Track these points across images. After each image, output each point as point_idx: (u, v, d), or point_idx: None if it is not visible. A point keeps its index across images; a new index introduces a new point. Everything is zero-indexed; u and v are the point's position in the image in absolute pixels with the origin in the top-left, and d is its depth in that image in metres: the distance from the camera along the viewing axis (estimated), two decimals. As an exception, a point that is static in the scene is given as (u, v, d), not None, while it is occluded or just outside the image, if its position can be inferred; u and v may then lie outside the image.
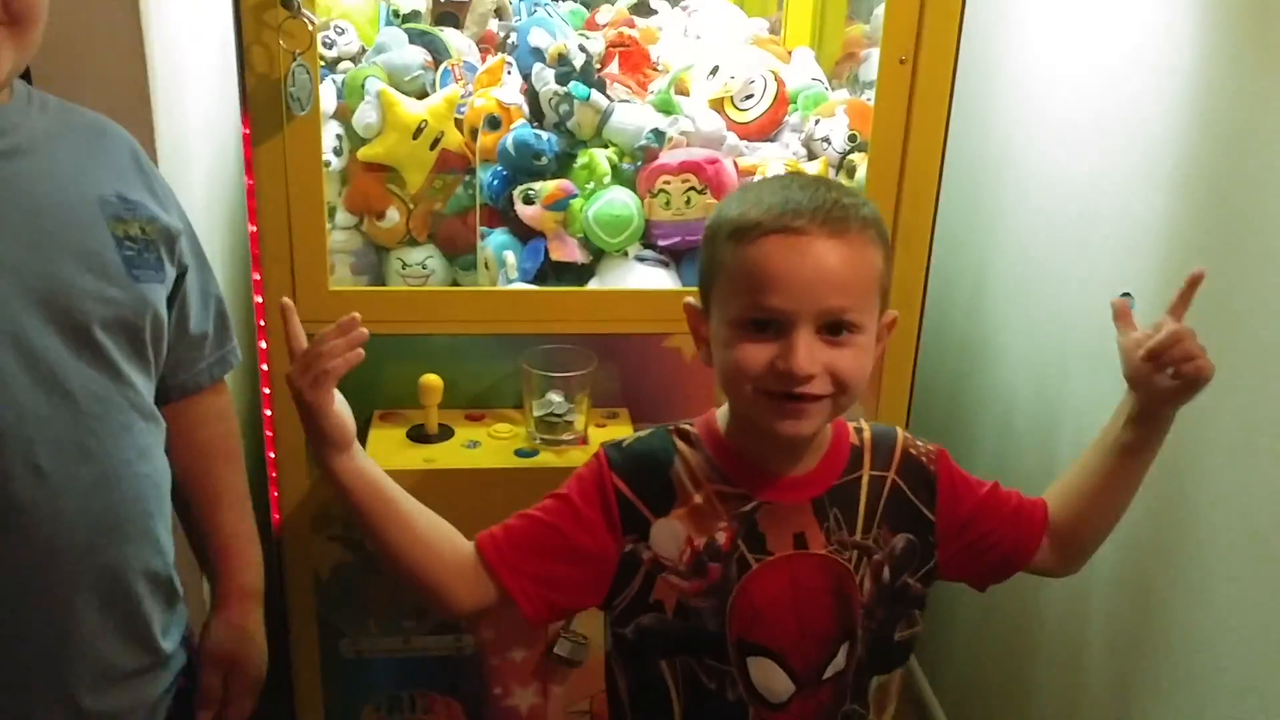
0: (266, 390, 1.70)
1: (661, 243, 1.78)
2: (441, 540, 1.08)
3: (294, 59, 1.47)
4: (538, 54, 2.02)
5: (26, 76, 1.15)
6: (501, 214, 1.82)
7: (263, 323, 1.63)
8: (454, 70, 1.92)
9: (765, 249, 0.98)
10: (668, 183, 1.74)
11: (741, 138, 1.91)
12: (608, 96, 1.83)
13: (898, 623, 1.12)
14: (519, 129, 1.79)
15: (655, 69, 2.11)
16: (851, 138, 1.82)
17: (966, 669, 2.24)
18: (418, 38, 1.96)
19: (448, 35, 2.05)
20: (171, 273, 1.13)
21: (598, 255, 1.80)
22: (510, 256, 1.76)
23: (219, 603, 1.26)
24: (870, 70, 2.11)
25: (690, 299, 1.09)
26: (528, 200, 1.77)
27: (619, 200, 1.74)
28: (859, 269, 1.00)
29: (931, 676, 2.42)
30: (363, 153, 1.79)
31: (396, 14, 2.04)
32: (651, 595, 1.08)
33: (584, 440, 1.63)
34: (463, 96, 1.87)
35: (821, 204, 0.99)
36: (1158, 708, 1.54)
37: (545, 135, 1.79)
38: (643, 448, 1.11)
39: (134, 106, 1.40)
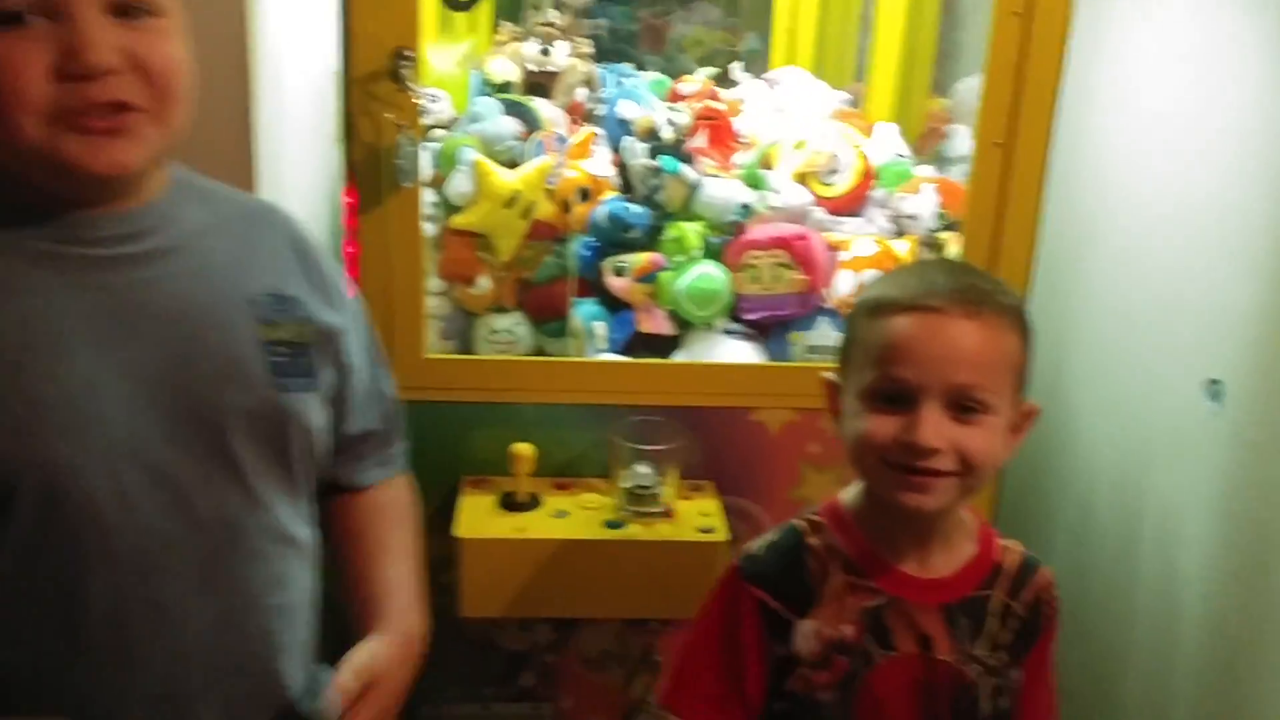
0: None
1: (749, 316, 1.79)
2: None
3: (400, 131, 1.51)
4: (626, 126, 2.05)
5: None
6: (591, 284, 1.85)
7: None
8: (546, 141, 1.95)
9: (900, 323, 1.01)
10: (757, 257, 1.76)
11: (828, 212, 1.92)
12: (696, 171, 1.86)
13: None
14: (611, 202, 1.82)
15: (740, 141, 2.13)
16: (940, 216, 1.82)
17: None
18: (511, 108, 2.01)
19: (538, 105, 2.10)
20: (330, 377, 1.05)
21: (685, 327, 1.81)
22: (600, 327, 1.78)
23: (379, 632, 1.10)
24: (955, 146, 2.13)
25: (829, 374, 1.11)
26: (618, 272, 1.79)
27: (708, 274, 1.76)
28: (992, 349, 1.01)
29: None
30: (456, 220, 1.82)
31: (489, 83, 2.09)
32: (784, 685, 1.09)
33: (670, 513, 1.63)
34: (554, 167, 1.90)
35: (960, 286, 1.02)
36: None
37: (636, 208, 1.81)
38: (775, 552, 1.12)
39: (237, 176, 1.44)
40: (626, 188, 1.89)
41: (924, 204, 1.84)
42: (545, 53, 2.14)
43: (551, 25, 2.18)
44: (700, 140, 2.05)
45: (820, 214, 1.89)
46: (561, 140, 1.98)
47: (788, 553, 1.11)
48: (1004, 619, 1.11)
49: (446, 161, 1.88)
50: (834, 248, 1.84)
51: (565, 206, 1.87)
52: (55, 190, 0.89)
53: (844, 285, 1.79)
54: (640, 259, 1.78)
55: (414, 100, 1.50)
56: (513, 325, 1.87)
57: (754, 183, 1.90)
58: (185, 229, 0.97)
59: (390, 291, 1.60)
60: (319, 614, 1.10)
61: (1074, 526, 2.06)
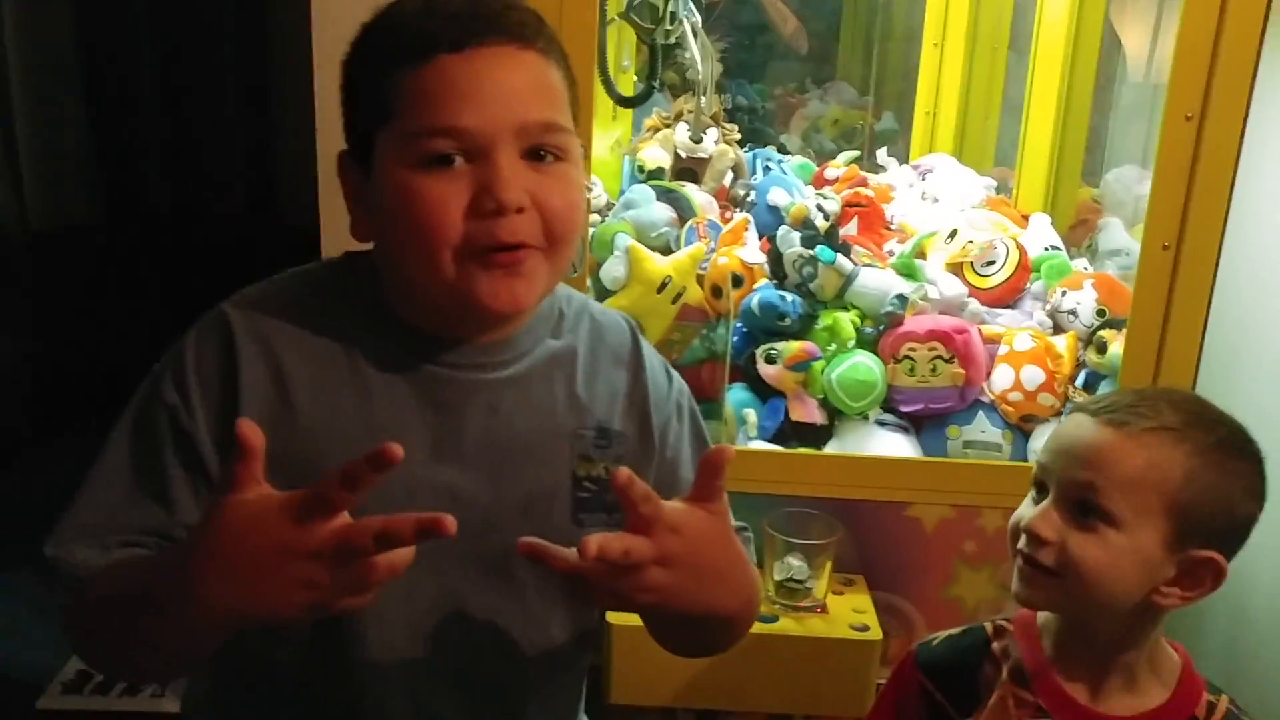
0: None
1: (904, 409, 1.78)
2: None
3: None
4: (776, 212, 2.07)
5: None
6: (741, 370, 1.86)
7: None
8: (699, 228, 1.98)
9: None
10: (913, 349, 1.75)
11: (983, 304, 1.90)
12: (851, 260, 1.86)
13: None
14: (764, 290, 1.84)
15: (889, 228, 2.14)
16: (1100, 313, 1.80)
17: None
18: (664, 195, 2.05)
19: (690, 191, 2.13)
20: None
21: (837, 417, 1.81)
22: (751, 414, 1.79)
23: None
24: (1109, 239, 2.10)
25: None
26: (769, 360, 1.80)
27: (863, 365, 1.76)
28: (1126, 459, 0.99)
29: None
30: (608, 304, 1.85)
31: (642, 169, 2.13)
32: None
33: (823, 608, 1.62)
34: (707, 253, 1.93)
35: (1139, 400, 1.01)
36: None
37: (789, 297, 1.82)
38: (953, 648, 1.11)
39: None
40: (776, 274, 1.90)
41: (1084, 300, 1.81)
42: (697, 140, 2.19)
43: (701, 112, 2.21)
44: (850, 227, 2.06)
45: (975, 306, 1.88)
46: (714, 227, 2.01)
47: (967, 651, 1.09)
48: None
49: (602, 246, 1.92)
50: (991, 340, 1.82)
51: (717, 292, 1.90)
52: (451, 321, 0.95)
53: (1002, 380, 1.77)
54: (793, 347, 1.79)
55: (586, 193, 1.53)
56: None
57: (908, 272, 1.90)
58: (536, 361, 0.99)
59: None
60: None
61: (1228, 631, 1.98)
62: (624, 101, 1.70)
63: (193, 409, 0.91)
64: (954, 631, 1.13)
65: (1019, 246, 1.94)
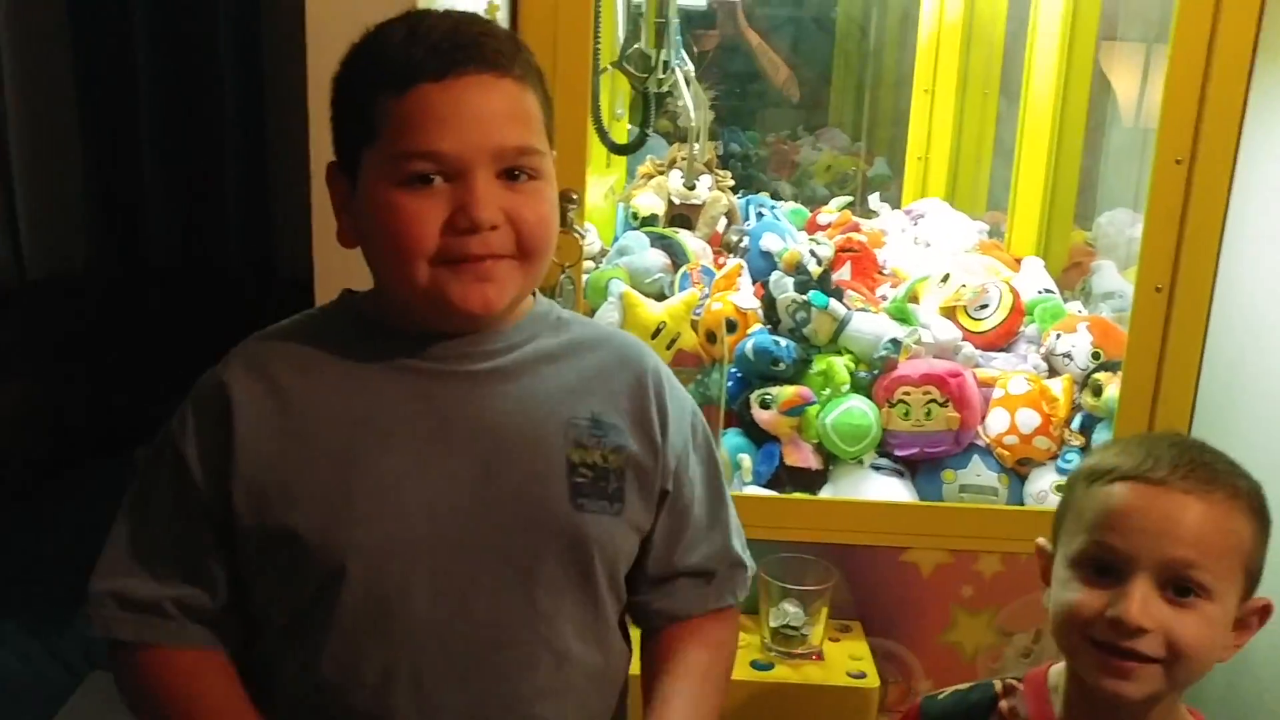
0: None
1: (899, 453, 1.77)
2: None
3: (562, 271, 1.55)
4: (769, 258, 2.08)
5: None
6: (736, 415, 1.85)
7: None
8: (692, 274, 1.99)
9: (1118, 490, 0.96)
10: (908, 393, 1.75)
11: (977, 347, 1.90)
12: (844, 305, 1.87)
13: None
14: (758, 335, 1.84)
15: (882, 273, 2.14)
16: (1095, 355, 1.80)
17: None
18: (658, 241, 2.05)
19: (684, 238, 2.14)
20: (636, 503, 1.05)
21: (832, 462, 1.80)
22: (746, 460, 1.78)
23: None
24: (1102, 282, 2.11)
25: (1042, 539, 1.07)
26: (764, 405, 1.79)
27: (857, 409, 1.75)
28: (1216, 529, 0.95)
29: None
30: (603, 349, 1.86)
31: (636, 216, 2.14)
32: None
33: (819, 655, 1.61)
34: (700, 299, 1.93)
35: (1187, 459, 0.97)
36: None
37: (783, 342, 1.82)
38: (959, 703, 1.09)
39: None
40: (770, 319, 1.90)
41: (1079, 343, 1.81)
42: (690, 186, 2.20)
43: (695, 159, 2.23)
44: (844, 272, 2.06)
45: (970, 349, 1.88)
46: (708, 273, 2.01)
47: (973, 707, 1.07)
48: None
49: (596, 293, 1.93)
50: (985, 384, 1.82)
51: (711, 338, 1.90)
52: (430, 321, 1.00)
53: (997, 423, 1.76)
54: (787, 392, 1.78)
55: (579, 241, 1.54)
56: None
57: (902, 317, 1.90)
58: (525, 355, 1.04)
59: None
60: None
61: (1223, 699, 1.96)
62: (617, 149, 1.72)
63: (190, 459, 1.00)
64: (962, 687, 1.11)
65: (1012, 290, 1.94)
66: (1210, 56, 1.56)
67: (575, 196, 1.55)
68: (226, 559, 1.00)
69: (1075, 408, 1.79)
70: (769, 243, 2.11)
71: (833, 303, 1.84)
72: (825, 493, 1.77)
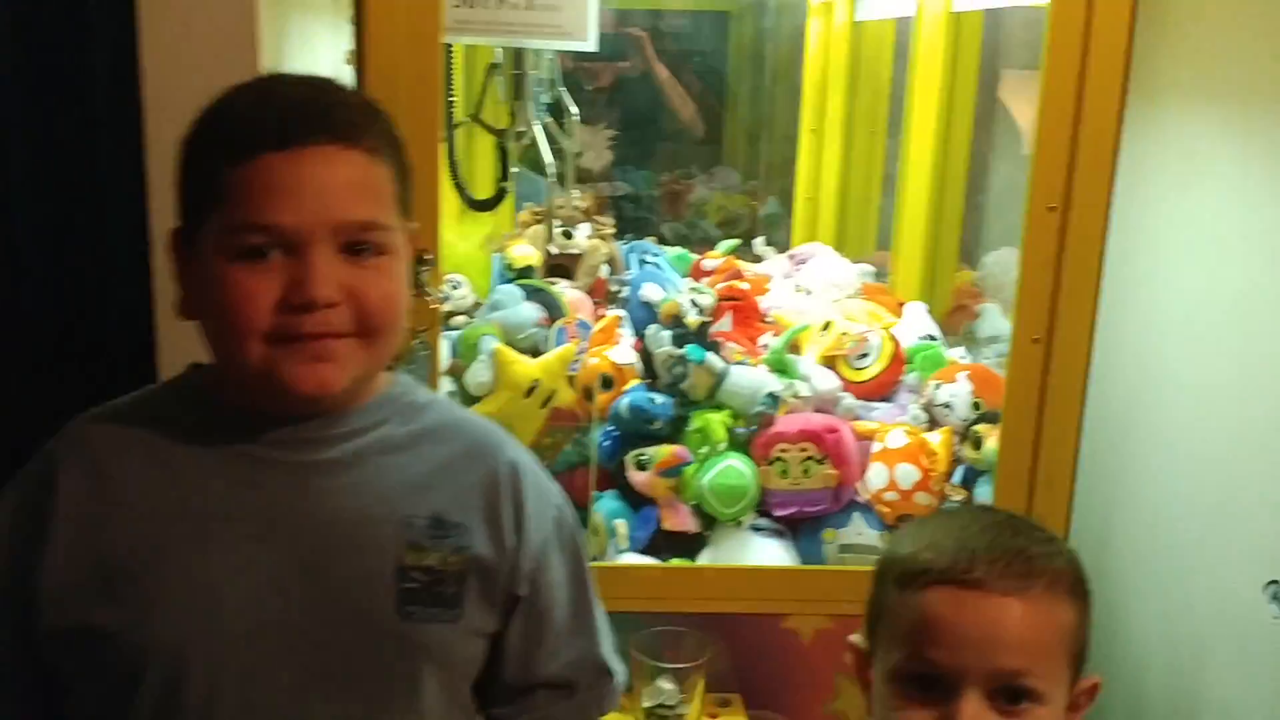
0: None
1: (778, 513, 1.71)
2: None
3: (415, 338, 1.46)
4: (649, 308, 2.01)
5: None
6: (612, 476, 1.78)
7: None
8: (568, 328, 1.91)
9: (934, 598, 0.90)
10: (785, 450, 1.69)
11: (857, 397, 1.86)
12: (722, 358, 1.80)
13: None
14: (633, 392, 1.77)
15: (765, 321, 2.09)
16: (976, 405, 1.76)
17: None
18: (533, 294, 1.97)
19: (561, 288, 2.06)
20: (479, 609, 0.99)
21: (712, 524, 1.73)
22: (621, 525, 1.71)
23: None
24: (987, 326, 2.08)
25: (855, 637, 1.00)
26: (640, 466, 1.72)
27: (734, 469, 1.69)
28: (1043, 628, 0.90)
29: None
30: (474, 410, 1.77)
31: (511, 268, 2.06)
32: None
33: (698, 733, 1.53)
34: (577, 354, 1.86)
35: (1004, 550, 0.90)
36: None
37: (659, 399, 1.75)
38: None
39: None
40: (650, 373, 1.83)
41: (959, 392, 1.77)
42: (568, 235, 2.13)
43: (574, 206, 2.16)
44: (725, 322, 2.01)
45: (850, 400, 1.83)
46: (584, 326, 1.94)
47: None
48: None
49: (467, 350, 1.84)
50: (865, 437, 1.77)
51: (587, 394, 1.82)
52: (266, 402, 0.95)
53: (877, 479, 1.71)
54: (663, 452, 1.71)
55: (432, 305, 1.45)
56: None
57: (781, 368, 1.84)
58: (367, 444, 0.98)
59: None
60: None
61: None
62: (475, 205, 1.63)
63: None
64: None
65: (891, 338, 1.90)
66: (1080, 101, 1.53)
67: (429, 257, 1.46)
68: (24, 655, 0.94)
69: (956, 460, 1.74)
70: (649, 292, 2.03)
71: (710, 356, 1.77)
72: (705, 556, 1.70)
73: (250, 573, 0.93)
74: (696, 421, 1.76)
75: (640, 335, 1.89)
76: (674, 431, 1.76)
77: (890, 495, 1.69)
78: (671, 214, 3.28)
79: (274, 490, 0.95)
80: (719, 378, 1.77)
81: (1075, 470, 1.61)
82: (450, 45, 1.56)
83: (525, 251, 2.11)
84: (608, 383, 1.82)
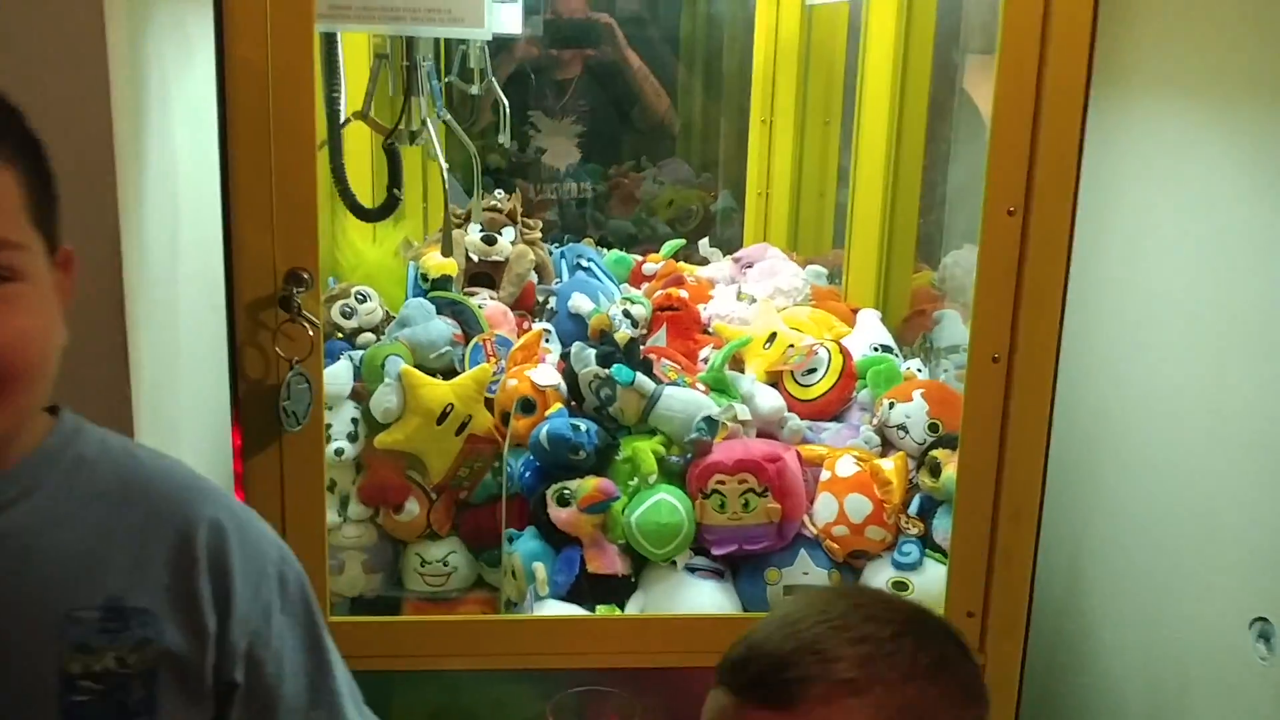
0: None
1: (716, 551, 1.54)
2: None
3: (291, 367, 1.28)
4: (578, 321, 1.85)
5: None
6: (533, 511, 1.60)
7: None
8: (486, 346, 1.74)
9: (713, 697, 0.85)
10: (722, 482, 1.52)
11: (804, 417, 1.69)
12: (654, 377, 1.63)
13: None
14: (554, 420, 1.59)
15: (707, 333, 1.92)
16: (933, 427, 1.59)
17: None
18: (446, 307, 1.79)
19: (482, 300, 1.89)
20: (178, 709, 0.86)
21: (642, 563, 1.57)
22: (540, 569, 1.53)
23: None
24: (946, 334, 1.92)
25: None
26: (562, 501, 1.55)
27: (666, 504, 1.52)
28: None
29: None
30: (380, 439, 1.60)
31: (425, 278, 1.88)
32: None
33: (624, 808, 1.36)
34: (495, 374, 1.68)
35: (779, 665, 0.78)
36: None
37: (584, 426, 1.58)
38: None
39: (114, 415, 1.22)
40: (576, 395, 1.66)
41: (914, 413, 1.61)
42: (490, 240, 1.94)
43: (496, 209, 1.98)
44: (660, 337, 1.84)
45: (796, 422, 1.66)
46: (504, 343, 1.76)
47: None
48: None
49: (372, 373, 1.66)
50: (812, 462, 1.60)
51: (504, 419, 1.65)
52: None
53: (825, 511, 1.55)
54: (587, 486, 1.54)
55: (309, 333, 1.27)
56: (447, 555, 1.65)
57: (720, 387, 1.68)
58: (12, 520, 0.81)
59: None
60: None
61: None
62: (363, 214, 1.45)
63: None
64: None
65: (841, 351, 1.73)
66: (1040, 90, 1.37)
67: (306, 276, 1.29)
68: None
69: (912, 489, 1.58)
70: (578, 303, 1.87)
71: (639, 377, 1.60)
72: (635, 603, 1.53)
73: None
74: (625, 450, 1.59)
75: (567, 353, 1.72)
76: (600, 462, 1.59)
77: (840, 530, 1.53)
78: (619, 211, 3.10)
79: None
80: (650, 400, 1.61)
81: (1042, 500, 1.45)
82: (335, 35, 1.38)
83: (441, 259, 1.93)
84: (529, 406, 1.65)
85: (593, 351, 1.65)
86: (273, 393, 1.29)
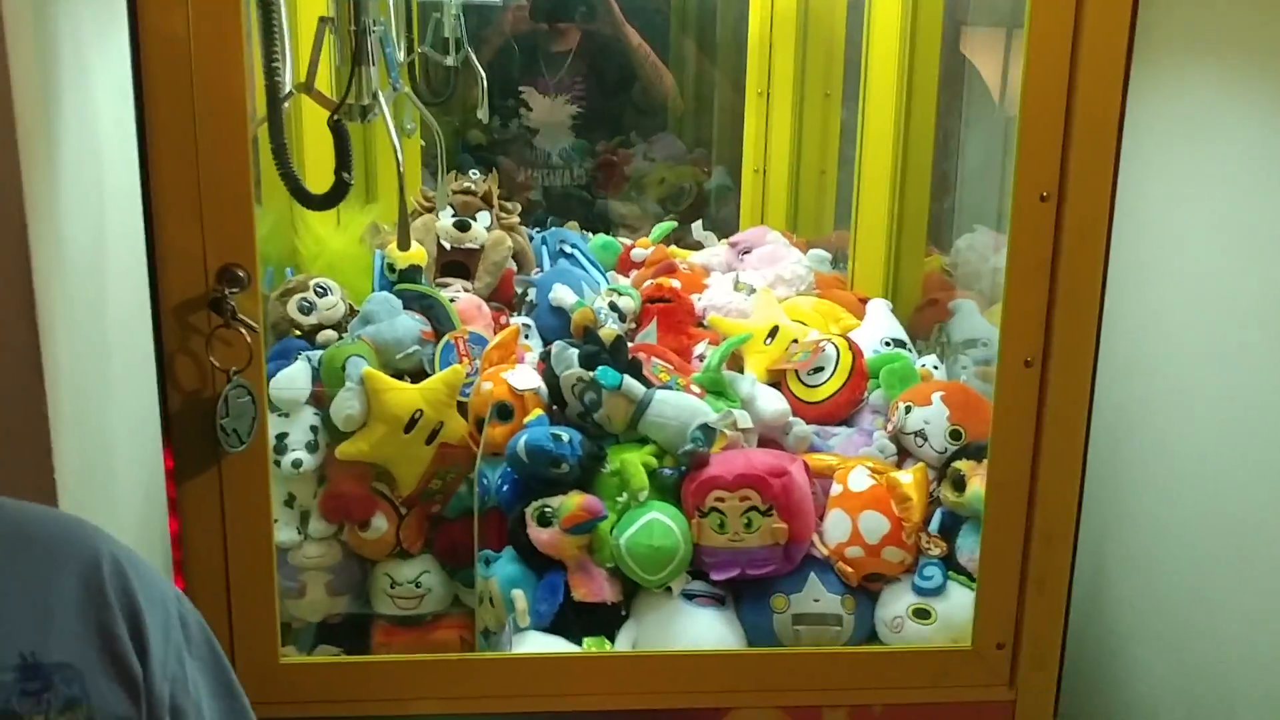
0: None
1: (716, 576, 1.39)
2: None
3: (230, 379, 1.12)
4: (560, 314, 1.69)
5: None
6: (512, 530, 1.45)
7: None
8: (458, 344, 1.58)
9: None
10: (721, 499, 1.37)
11: (811, 421, 1.54)
12: (644, 379, 1.48)
13: None
14: (533, 429, 1.44)
15: (702, 326, 1.76)
16: (955, 434, 1.44)
17: None
18: (415, 302, 1.63)
19: (455, 292, 1.72)
20: None
21: (633, 590, 1.42)
22: (520, 598, 1.38)
23: None
24: (962, 326, 1.76)
25: None
26: (543, 521, 1.40)
27: (659, 524, 1.37)
28: None
29: None
30: (342, 450, 1.47)
31: (392, 268, 1.71)
32: None
33: None
34: (468, 376, 1.53)
35: None
36: None
37: (566, 435, 1.42)
38: None
39: (29, 427, 1.06)
40: (558, 400, 1.51)
41: (933, 418, 1.45)
42: (463, 226, 1.78)
43: (470, 192, 1.81)
44: (650, 332, 1.69)
45: (802, 428, 1.51)
46: (479, 341, 1.60)
47: None
48: None
49: (332, 375, 1.51)
50: (822, 474, 1.45)
51: (478, 425, 1.49)
52: None
53: (837, 530, 1.40)
54: (571, 504, 1.39)
55: (246, 339, 1.11)
56: (419, 575, 1.53)
57: (718, 389, 1.52)
58: None
59: (228, 585, 1.20)
60: None
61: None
62: (308, 201, 1.27)
63: None
64: None
65: (850, 347, 1.58)
66: (1075, 64, 1.20)
67: (242, 274, 1.13)
68: None
69: (934, 503, 1.43)
70: (560, 296, 1.72)
71: (628, 380, 1.45)
72: (625, 633, 1.39)
73: None
74: (613, 462, 1.44)
75: (548, 352, 1.56)
76: (585, 476, 1.44)
77: (854, 551, 1.38)
78: (610, 190, 2.95)
79: None
80: (640, 406, 1.46)
81: (1079, 520, 1.30)
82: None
83: (411, 247, 1.76)
84: (505, 413, 1.50)
85: (576, 351, 1.50)
86: (209, 406, 1.14)
